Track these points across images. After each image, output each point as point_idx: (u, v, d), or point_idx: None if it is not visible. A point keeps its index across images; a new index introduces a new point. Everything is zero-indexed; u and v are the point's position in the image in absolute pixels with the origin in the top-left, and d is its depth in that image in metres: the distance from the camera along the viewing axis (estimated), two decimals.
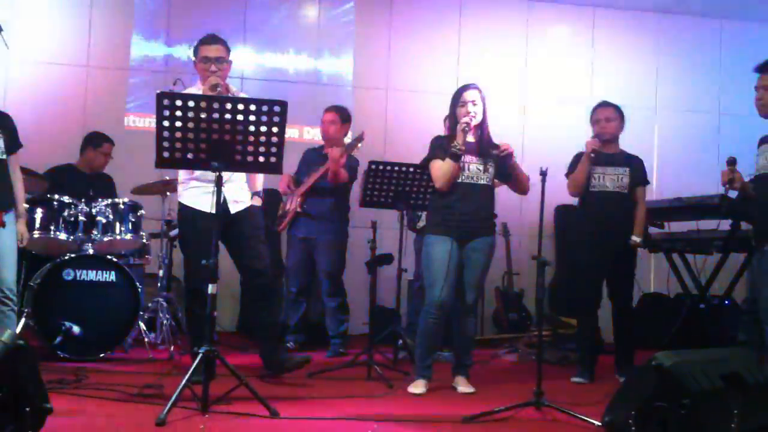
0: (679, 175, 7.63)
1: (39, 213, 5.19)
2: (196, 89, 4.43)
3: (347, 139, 6.13)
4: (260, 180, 4.74)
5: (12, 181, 4.34)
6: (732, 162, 4.18)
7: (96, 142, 6.10)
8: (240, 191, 4.51)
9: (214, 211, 3.77)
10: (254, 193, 4.65)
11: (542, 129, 7.82)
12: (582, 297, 5.10)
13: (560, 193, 5.08)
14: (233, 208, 4.43)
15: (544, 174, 3.92)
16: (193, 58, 4.57)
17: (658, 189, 7.02)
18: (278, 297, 4.85)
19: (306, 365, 4.60)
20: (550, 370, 4.12)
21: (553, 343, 6.21)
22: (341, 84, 7.67)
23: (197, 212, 4.34)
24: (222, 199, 4.07)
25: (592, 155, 4.91)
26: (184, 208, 4.46)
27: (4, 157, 4.26)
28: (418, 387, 4.40)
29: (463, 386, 4.50)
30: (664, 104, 8.15)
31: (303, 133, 7.41)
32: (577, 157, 5.05)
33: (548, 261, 4.06)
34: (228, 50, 4.51)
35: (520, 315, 7.06)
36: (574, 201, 5.26)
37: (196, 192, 4.38)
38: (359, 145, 5.74)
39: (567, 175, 5.08)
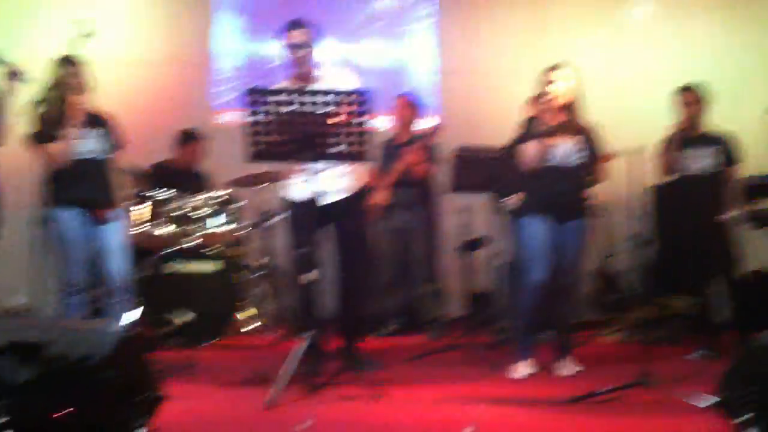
0: None
1: (142, 208, 5.37)
2: (286, 78, 4.43)
3: (420, 125, 6.12)
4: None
5: (116, 180, 4.50)
6: None
7: (189, 138, 6.27)
8: (338, 181, 4.45)
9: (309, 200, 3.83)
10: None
11: (632, 109, 7.61)
12: (683, 275, 4.98)
13: (656, 171, 4.96)
14: (329, 197, 4.41)
15: (639, 153, 3.84)
16: (280, 45, 4.52)
17: None
18: (366, 291, 4.82)
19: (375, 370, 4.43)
20: (653, 350, 4.02)
21: (655, 323, 6.07)
22: (427, 70, 7.65)
23: (296, 201, 4.35)
24: (320, 188, 4.15)
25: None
26: (285, 198, 4.51)
27: (108, 156, 4.42)
28: (520, 369, 4.37)
29: (566, 368, 4.45)
30: None
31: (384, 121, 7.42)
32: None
33: (648, 239, 3.97)
34: (314, 35, 4.43)
35: (620, 296, 6.92)
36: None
37: (294, 182, 4.39)
38: (437, 134, 5.74)
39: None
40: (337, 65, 4.64)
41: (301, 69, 4.32)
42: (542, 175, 4.35)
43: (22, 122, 4.23)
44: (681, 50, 7.79)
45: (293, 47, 4.33)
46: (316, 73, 4.41)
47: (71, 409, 2.64)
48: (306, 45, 4.34)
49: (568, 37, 7.61)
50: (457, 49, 7.69)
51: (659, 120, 5.58)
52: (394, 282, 6.05)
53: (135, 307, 5.14)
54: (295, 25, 4.39)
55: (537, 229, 4.33)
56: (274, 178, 5.61)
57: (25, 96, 4.22)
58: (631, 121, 7.39)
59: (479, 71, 7.65)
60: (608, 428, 3.19)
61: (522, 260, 4.46)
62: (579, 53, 7.19)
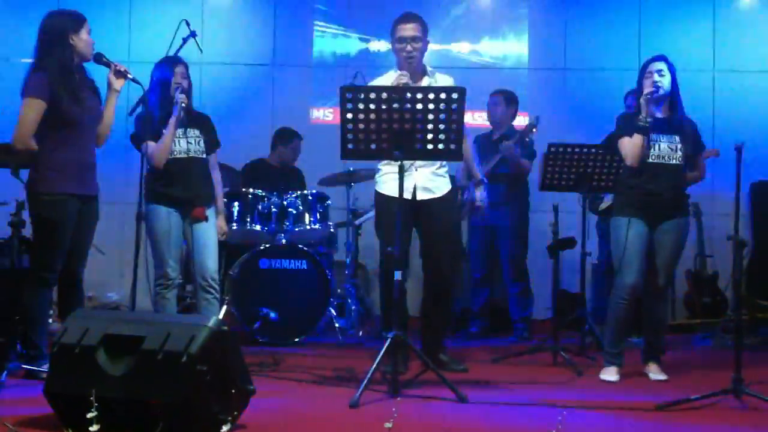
0: None
1: (236, 207, 5.51)
2: (393, 72, 4.39)
3: (518, 122, 6.08)
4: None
5: (212, 178, 4.63)
6: None
7: (285, 138, 6.37)
8: (432, 179, 4.42)
9: (400, 199, 3.85)
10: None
11: (734, 101, 7.36)
12: None
13: (755, 169, 4.78)
14: (422, 195, 4.38)
15: (739, 150, 3.71)
16: (390, 41, 4.52)
17: None
18: (452, 292, 4.80)
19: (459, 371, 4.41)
20: (748, 356, 3.89)
21: (751, 328, 5.88)
22: (518, 67, 7.59)
23: (389, 198, 4.28)
24: (413, 186, 4.17)
25: None
26: (378, 195, 4.52)
27: (204, 155, 4.55)
28: (610, 374, 4.30)
29: (656, 373, 4.35)
30: None
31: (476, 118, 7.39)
32: None
33: (746, 241, 3.85)
34: (425, 29, 4.41)
35: (714, 299, 6.71)
36: None
37: (388, 178, 4.36)
38: (534, 130, 5.69)
39: None
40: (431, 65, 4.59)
41: (411, 63, 4.32)
42: (642, 172, 4.26)
43: (125, 121, 4.40)
44: None
45: (404, 40, 4.34)
46: (425, 68, 4.43)
47: (164, 401, 2.75)
48: (417, 39, 4.35)
49: (665, 29, 7.42)
50: (549, 47, 7.60)
51: (759, 116, 5.38)
52: (482, 281, 6.04)
53: (226, 303, 5.30)
54: (407, 18, 4.40)
55: (631, 231, 4.23)
56: (366, 175, 5.68)
57: (129, 95, 4.39)
58: (732, 116, 7.17)
59: (571, 68, 7.55)
60: None
61: (614, 261, 4.37)
62: (677, 46, 7.04)
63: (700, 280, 6.75)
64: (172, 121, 4.36)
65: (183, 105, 4.38)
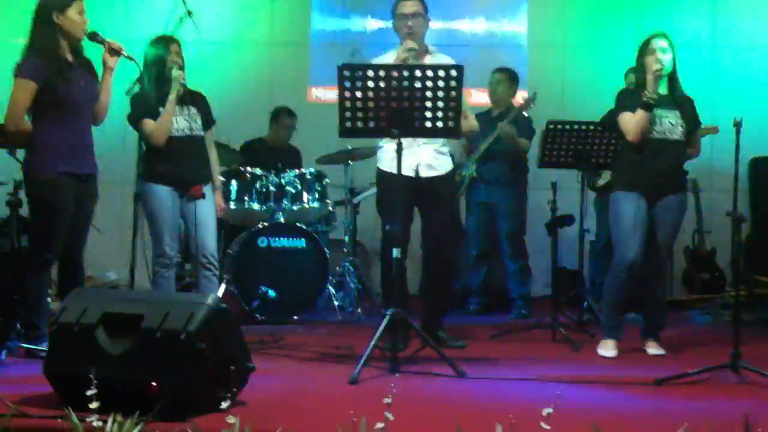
0: None
1: (234, 185, 5.50)
2: (395, 51, 4.40)
3: (518, 100, 6.06)
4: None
5: (209, 156, 4.62)
6: None
7: (278, 116, 6.39)
8: (436, 157, 4.43)
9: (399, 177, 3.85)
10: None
11: (733, 78, 7.34)
12: None
13: (754, 145, 4.77)
14: (425, 173, 4.38)
15: (738, 125, 3.71)
16: (391, 20, 4.53)
17: None
18: (452, 269, 4.82)
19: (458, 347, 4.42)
20: (747, 332, 3.90)
21: (750, 304, 5.89)
22: (516, 44, 7.55)
23: (390, 175, 4.24)
24: (416, 164, 4.16)
25: None
26: (379, 171, 4.51)
27: (202, 133, 4.54)
28: (608, 349, 4.31)
29: (654, 348, 4.36)
30: None
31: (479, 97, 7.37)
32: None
33: (744, 217, 3.85)
34: (425, 7, 4.43)
35: (712, 275, 6.72)
36: None
37: (389, 156, 4.30)
38: (531, 105, 5.68)
39: None
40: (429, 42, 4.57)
41: (412, 40, 4.32)
42: (643, 148, 4.25)
43: (121, 100, 4.38)
44: None
45: (405, 17, 4.35)
46: (427, 47, 4.43)
47: (164, 379, 2.76)
48: (418, 14, 4.36)
49: (666, 6, 7.38)
50: (547, 23, 7.56)
51: (759, 92, 5.36)
52: (480, 258, 6.04)
53: (225, 282, 5.31)
54: None
55: (631, 206, 4.23)
56: (364, 154, 5.67)
57: (125, 74, 4.37)
58: (729, 93, 7.15)
59: (570, 45, 7.51)
60: (696, 410, 3.13)
61: (613, 238, 4.38)
62: (676, 23, 7.01)
63: (698, 257, 6.76)
64: (172, 98, 4.33)
65: (182, 82, 4.36)
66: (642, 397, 3.38)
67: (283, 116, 6.39)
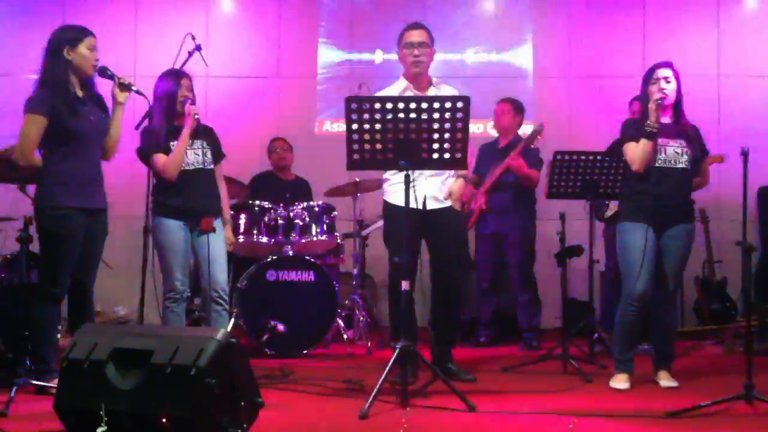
0: None
1: (243, 218, 5.52)
2: (400, 83, 4.47)
3: (524, 131, 6.08)
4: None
5: (218, 190, 4.64)
6: None
7: (269, 146, 6.48)
8: (442, 189, 4.45)
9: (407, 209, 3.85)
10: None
11: (738, 105, 7.36)
12: None
13: (762, 173, 4.76)
14: (432, 205, 4.41)
15: (745, 154, 3.71)
16: (396, 51, 4.58)
17: None
18: (461, 301, 4.80)
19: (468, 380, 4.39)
20: (759, 362, 3.87)
21: (762, 334, 5.84)
22: (521, 75, 7.59)
23: (398, 208, 4.25)
24: (423, 196, 4.17)
25: None
26: (386, 204, 4.54)
27: (212, 167, 4.56)
28: (620, 382, 4.28)
29: (666, 380, 4.32)
30: None
31: (487, 128, 7.40)
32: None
33: (755, 246, 3.83)
34: (431, 37, 4.48)
35: (723, 305, 6.68)
36: None
37: (396, 188, 4.34)
38: (539, 137, 5.69)
39: None
40: (435, 73, 4.62)
41: (418, 69, 4.38)
42: (647, 178, 4.25)
43: (131, 134, 4.41)
44: None
45: (411, 45, 4.41)
46: (431, 79, 4.47)
47: (174, 414, 2.75)
48: (424, 44, 4.42)
49: (670, 35, 7.42)
50: (552, 55, 7.60)
51: (765, 120, 5.35)
52: (489, 290, 6.03)
53: (235, 315, 5.29)
54: (415, 25, 4.50)
55: (638, 237, 4.21)
56: (372, 186, 5.68)
57: (135, 108, 4.40)
58: (737, 121, 7.16)
59: (576, 75, 7.55)
60: None
61: (622, 269, 4.36)
62: (681, 52, 7.03)
63: (708, 287, 6.73)
64: (186, 132, 4.36)
65: (196, 116, 4.39)
66: (655, 430, 3.35)
67: (271, 144, 6.50)
